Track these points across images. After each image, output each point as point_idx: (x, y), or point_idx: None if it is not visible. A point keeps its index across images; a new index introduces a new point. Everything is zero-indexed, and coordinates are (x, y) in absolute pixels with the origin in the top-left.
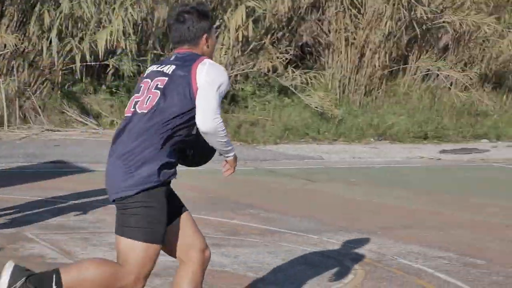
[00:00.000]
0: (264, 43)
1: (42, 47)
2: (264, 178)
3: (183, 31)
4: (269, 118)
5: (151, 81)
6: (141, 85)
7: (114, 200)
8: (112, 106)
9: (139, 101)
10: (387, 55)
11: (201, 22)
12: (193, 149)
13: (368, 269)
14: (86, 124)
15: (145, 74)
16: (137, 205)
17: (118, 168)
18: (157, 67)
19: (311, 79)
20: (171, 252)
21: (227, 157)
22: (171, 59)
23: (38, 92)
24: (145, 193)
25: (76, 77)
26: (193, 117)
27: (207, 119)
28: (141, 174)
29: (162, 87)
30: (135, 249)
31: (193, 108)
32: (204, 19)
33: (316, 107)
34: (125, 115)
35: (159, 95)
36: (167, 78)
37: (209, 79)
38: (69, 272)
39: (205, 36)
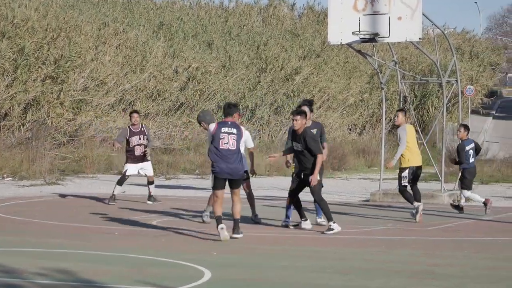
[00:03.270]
0: None
1: None
2: None
3: (230, 111)
4: None
5: (228, 135)
6: (223, 136)
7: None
8: None
9: (227, 143)
10: None
11: (235, 108)
12: None
13: None
14: None
15: (222, 130)
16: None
17: (239, 166)
18: (227, 129)
19: None
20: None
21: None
22: (229, 123)
23: None
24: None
25: None
26: None
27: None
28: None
29: (235, 138)
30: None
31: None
32: (236, 107)
33: None
34: (221, 148)
35: (236, 142)
36: (235, 135)
37: (246, 134)
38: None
39: (237, 113)
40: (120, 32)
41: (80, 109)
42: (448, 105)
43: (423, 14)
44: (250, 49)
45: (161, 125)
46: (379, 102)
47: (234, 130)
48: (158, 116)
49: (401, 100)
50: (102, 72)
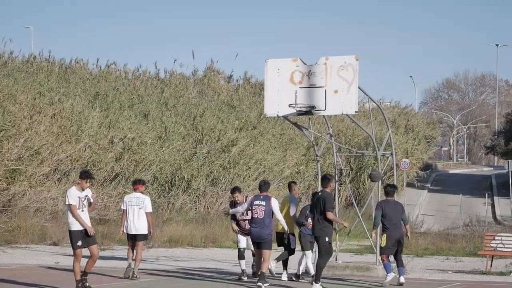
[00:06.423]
0: None
1: None
2: None
3: (266, 187)
4: None
5: (258, 207)
6: (254, 207)
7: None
8: None
9: (257, 213)
10: None
11: (269, 184)
12: None
13: None
14: None
15: (254, 203)
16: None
17: (265, 230)
18: (258, 201)
19: None
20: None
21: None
22: (261, 197)
23: None
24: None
25: None
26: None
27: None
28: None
29: (264, 209)
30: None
31: (273, 214)
32: (268, 184)
33: None
34: (254, 216)
35: (264, 212)
36: (264, 206)
37: (275, 204)
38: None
39: (269, 189)
40: (56, 101)
41: (14, 179)
42: (383, 178)
43: (359, 87)
44: (186, 120)
45: (96, 196)
46: (315, 174)
47: (263, 202)
48: (93, 187)
49: (336, 172)
50: (36, 141)
